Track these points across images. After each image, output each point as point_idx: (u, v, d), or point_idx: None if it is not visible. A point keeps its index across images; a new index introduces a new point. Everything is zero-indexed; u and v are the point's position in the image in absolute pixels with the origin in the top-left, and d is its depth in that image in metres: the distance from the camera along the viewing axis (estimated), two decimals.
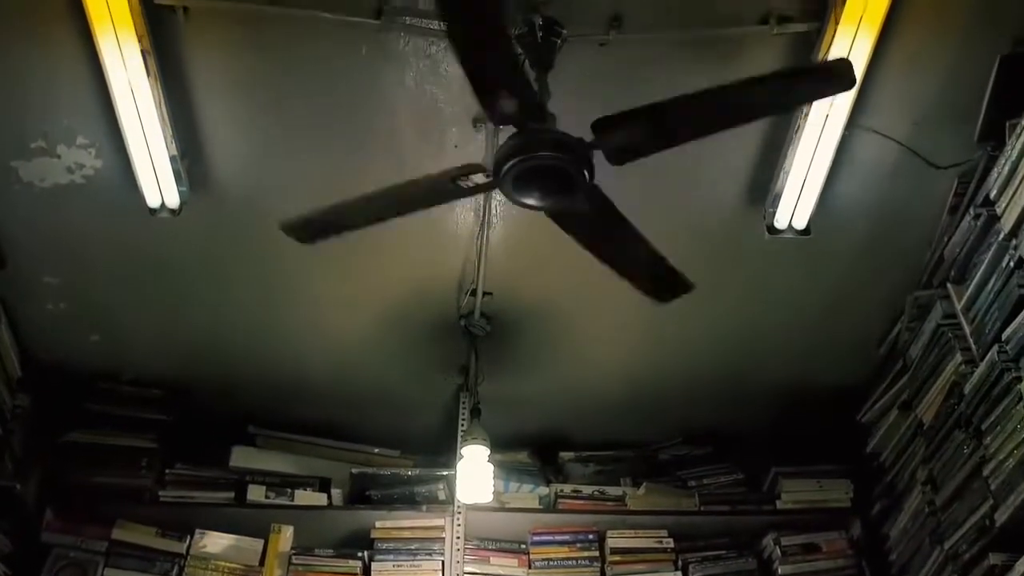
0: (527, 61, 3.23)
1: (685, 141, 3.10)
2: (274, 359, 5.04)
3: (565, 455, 5.45)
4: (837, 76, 2.98)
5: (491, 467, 4.50)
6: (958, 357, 4.03)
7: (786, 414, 5.36)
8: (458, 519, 4.86)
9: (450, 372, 5.13)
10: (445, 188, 3.13)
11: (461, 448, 4.54)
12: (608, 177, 3.11)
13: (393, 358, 5.06)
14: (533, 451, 5.42)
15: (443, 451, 5.17)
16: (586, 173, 3.01)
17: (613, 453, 5.47)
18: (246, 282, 4.57)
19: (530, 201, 3.05)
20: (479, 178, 3.07)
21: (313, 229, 3.47)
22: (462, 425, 4.92)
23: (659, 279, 3.63)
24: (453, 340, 4.88)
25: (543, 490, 5.19)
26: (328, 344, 4.96)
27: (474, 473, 4.46)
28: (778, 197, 4.01)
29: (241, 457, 5.06)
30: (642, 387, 5.24)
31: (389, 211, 3.36)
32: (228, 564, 4.71)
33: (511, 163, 2.93)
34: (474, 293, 4.57)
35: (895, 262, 4.39)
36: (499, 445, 4.74)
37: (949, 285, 4.11)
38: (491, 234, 4.27)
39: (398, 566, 4.75)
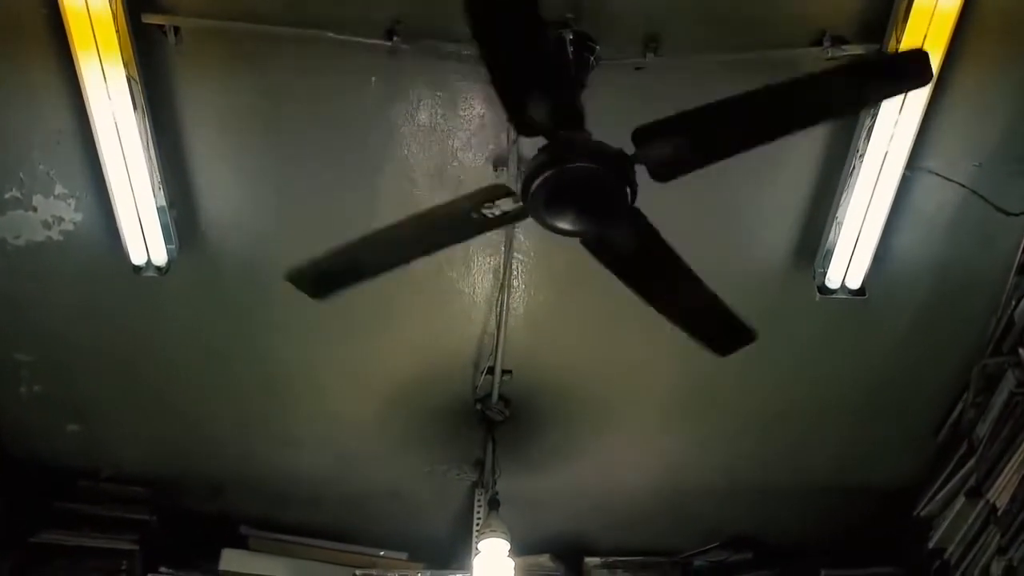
0: None
1: (737, 152, 2.74)
2: (269, 452, 4.68)
3: (590, 561, 5.04)
4: (912, 69, 2.63)
5: (512, 563, 4.09)
6: None
7: (833, 515, 4.98)
8: None
9: (464, 467, 4.76)
10: (468, 219, 2.79)
11: (478, 542, 4.14)
12: None
13: (400, 450, 4.68)
14: (555, 555, 4.98)
15: (456, 556, 4.77)
16: (628, 190, 2.67)
17: (643, 559, 5.06)
18: (239, 359, 4.24)
19: (564, 224, 2.70)
20: (507, 203, 2.72)
21: (327, 279, 3.07)
22: (477, 522, 4.52)
23: (717, 326, 3.21)
24: (467, 428, 4.53)
25: None
26: (328, 434, 4.60)
27: (493, 570, 4.05)
28: (830, 253, 3.71)
29: (232, 560, 4.67)
30: (675, 483, 4.86)
31: (410, 251, 2.99)
32: None
33: (543, 177, 2.59)
34: (491, 372, 4.22)
35: (957, 328, 4.08)
36: (517, 548, 4.31)
37: (1021, 351, 3.81)
38: (511, 300, 3.94)
39: None
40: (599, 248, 2.86)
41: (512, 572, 4.10)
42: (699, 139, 2.63)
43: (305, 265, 3.00)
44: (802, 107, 2.68)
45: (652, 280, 3.01)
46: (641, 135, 2.61)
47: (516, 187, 3.15)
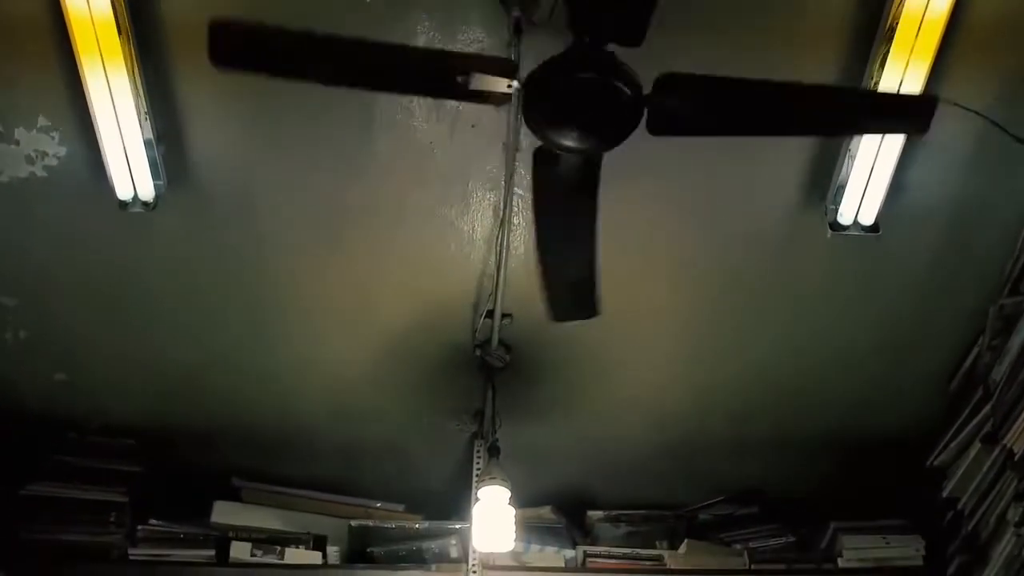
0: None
1: (734, 134, 2.91)
2: (261, 403, 4.59)
3: (593, 514, 4.95)
4: (917, 115, 2.73)
5: (512, 511, 4.02)
6: None
7: (841, 469, 4.91)
8: None
9: (463, 417, 4.67)
10: (450, 78, 2.54)
11: (477, 490, 4.06)
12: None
13: (397, 401, 4.60)
14: (556, 507, 4.91)
15: (455, 510, 4.68)
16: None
17: (647, 513, 4.98)
18: (229, 303, 4.14)
19: (556, 130, 2.60)
20: (500, 83, 2.55)
21: (246, 52, 2.55)
22: (477, 470, 4.45)
23: (573, 295, 3.29)
24: (466, 377, 4.43)
25: (569, 552, 4.67)
26: (322, 383, 4.51)
27: (492, 518, 3.98)
28: (842, 187, 3.60)
29: (224, 512, 4.58)
30: (680, 434, 4.77)
31: (360, 74, 2.63)
32: None
33: (564, 76, 2.50)
34: (491, 315, 4.12)
35: (974, 266, 3.98)
36: (518, 501, 4.22)
37: None
38: (512, 239, 3.85)
39: None
40: (551, 166, 2.78)
41: (513, 520, 4.02)
42: (714, 109, 2.61)
43: (235, 20, 2.49)
44: (810, 115, 2.72)
45: (560, 223, 2.97)
46: (665, 82, 2.53)
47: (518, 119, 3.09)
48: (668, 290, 4.11)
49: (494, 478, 3.99)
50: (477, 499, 4.04)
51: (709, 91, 2.58)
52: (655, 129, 2.58)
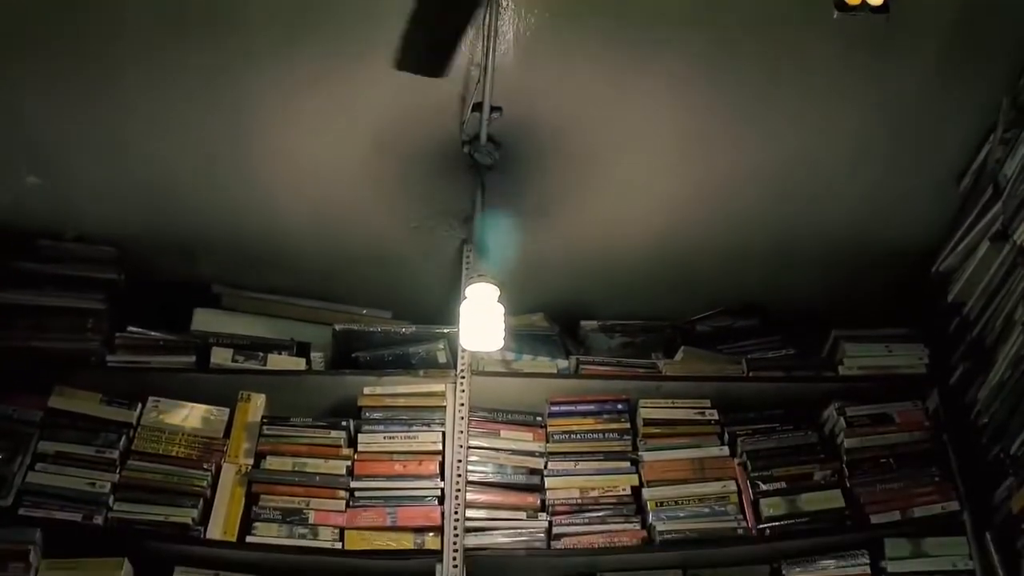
0: None
1: None
2: (242, 209, 4.51)
3: (587, 324, 4.92)
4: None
5: (502, 309, 3.95)
6: None
7: (844, 280, 4.89)
8: (462, 384, 4.32)
9: (451, 222, 4.57)
10: None
11: (465, 288, 3.99)
12: None
13: (382, 204, 4.50)
14: (549, 315, 4.85)
15: (444, 321, 4.60)
16: None
17: (643, 323, 4.95)
18: (202, 89, 3.97)
19: None
20: None
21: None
22: (466, 272, 4.39)
23: (431, 46, 3.44)
24: (455, 179, 4.32)
25: (562, 362, 4.61)
26: (304, 183, 4.39)
27: (481, 316, 3.92)
28: None
29: (204, 319, 4.56)
30: (678, 242, 4.70)
31: None
32: (186, 435, 4.18)
33: None
34: (479, 108, 3.99)
35: (987, 52, 3.82)
36: (509, 309, 4.13)
37: None
38: (500, 23, 3.70)
39: (390, 437, 4.21)
40: None
41: (502, 318, 3.96)
42: None
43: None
44: None
45: None
46: None
47: None
48: (666, 82, 3.98)
49: (482, 275, 3.92)
50: (465, 297, 3.97)
51: None
52: None
